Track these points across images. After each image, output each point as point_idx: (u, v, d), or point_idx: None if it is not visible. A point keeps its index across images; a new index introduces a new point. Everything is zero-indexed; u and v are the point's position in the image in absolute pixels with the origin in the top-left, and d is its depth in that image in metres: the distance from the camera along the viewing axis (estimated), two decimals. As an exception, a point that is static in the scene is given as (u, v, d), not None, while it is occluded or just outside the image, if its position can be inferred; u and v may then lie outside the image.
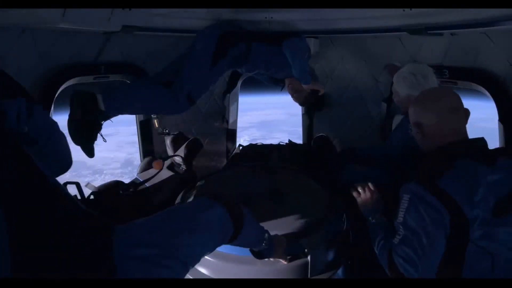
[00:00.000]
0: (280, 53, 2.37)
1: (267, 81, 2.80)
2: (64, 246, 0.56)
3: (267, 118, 17.99)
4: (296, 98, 2.67)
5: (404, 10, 1.94)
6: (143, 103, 2.14)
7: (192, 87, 2.16)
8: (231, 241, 0.98)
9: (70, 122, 1.82)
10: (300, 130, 3.66)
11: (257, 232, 1.16)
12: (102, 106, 1.88)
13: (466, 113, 1.33)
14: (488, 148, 1.26)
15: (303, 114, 3.65)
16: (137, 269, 0.64)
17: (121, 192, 2.13)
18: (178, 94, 2.14)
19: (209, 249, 0.86)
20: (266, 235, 1.20)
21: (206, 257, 1.39)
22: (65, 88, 2.43)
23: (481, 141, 1.26)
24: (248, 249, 1.26)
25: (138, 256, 0.65)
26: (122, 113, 2.11)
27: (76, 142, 1.82)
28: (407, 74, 1.94)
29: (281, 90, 2.73)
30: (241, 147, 3.09)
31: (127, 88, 2.22)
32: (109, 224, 0.67)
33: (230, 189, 1.91)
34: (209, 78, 2.25)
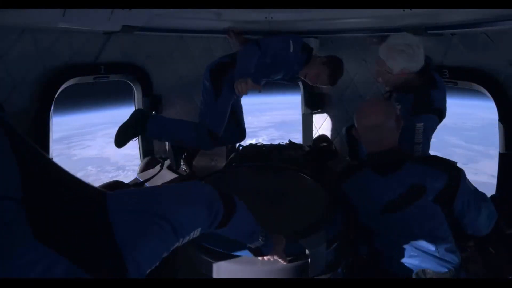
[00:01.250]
0: (268, 61, 2.40)
1: (281, 81, 2.80)
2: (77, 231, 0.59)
3: (286, 118, 17.96)
4: (320, 86, 2.72)
5: (404, 10, 1.94)
6: (175, 133, 2.42)
7: (209, 122, 2.38)
8: (224, 224, 0.98)
9: (123, 125, 2.31)
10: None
11: (250, 222, 1.16)
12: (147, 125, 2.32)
13: (398, 123, 1.47)
14: (397, 159, 1.47)
15: (303, 114, 3.64)
16: (130, 221, 0.67)
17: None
18: (200, 129, 2.38)
19: (199, 224, 0.86)
20: (260, 228, 1.19)
21: (206, 257, 1.40)
22: (65, 88, 2.44)
23: (393, 154, 1.48)
24: (247, 248, 1.25)
25: (130, 210, 0.70)
26: (158, 138, 2.51)
27: (117, 140, 2.27)
28: (404, 46, 1.83)
29: (300, 82, 2.76)
30: (241, 147, 3.09)
31: (168, 119, 2.55)
32: (101, 190, 0.71)
33: (230, 189, 1.91)
34: (218, 110, 2.41)
